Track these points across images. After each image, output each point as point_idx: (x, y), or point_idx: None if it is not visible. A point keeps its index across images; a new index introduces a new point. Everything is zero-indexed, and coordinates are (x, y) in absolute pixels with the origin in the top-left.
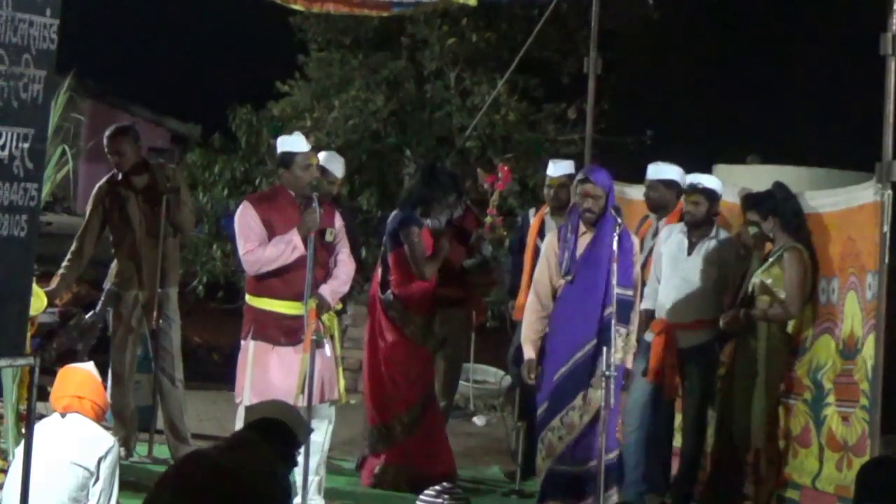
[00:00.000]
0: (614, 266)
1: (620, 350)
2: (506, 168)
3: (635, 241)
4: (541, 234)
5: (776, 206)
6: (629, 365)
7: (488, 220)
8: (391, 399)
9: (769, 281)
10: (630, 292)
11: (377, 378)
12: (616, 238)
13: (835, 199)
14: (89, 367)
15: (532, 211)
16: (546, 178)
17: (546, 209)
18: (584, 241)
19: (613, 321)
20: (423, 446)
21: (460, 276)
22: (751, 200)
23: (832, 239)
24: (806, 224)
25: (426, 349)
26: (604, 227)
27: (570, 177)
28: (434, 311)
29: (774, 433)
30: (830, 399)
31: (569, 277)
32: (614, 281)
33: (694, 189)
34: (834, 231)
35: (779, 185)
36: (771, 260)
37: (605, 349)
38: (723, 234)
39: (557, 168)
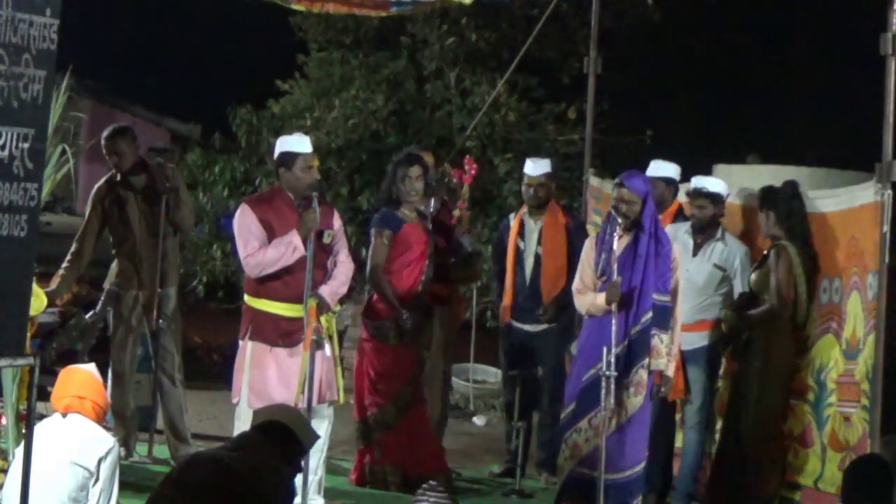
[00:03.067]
0: (614, 266)
1: (665, 356)
2: (472, 160)
3: (675, 247)
4: (521, 234)
5: (777, 201)
6: (670, 372)
7: (456, 213)
8: (366, 396)
9: (760, 280)
10: (667, 298)
11: (359, 375)
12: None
13: (837, 199)
14: (91, 367)
15: (512, 215)
16: (525, 177)
17: (524, 209)
18: (622, 244)
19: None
20: (408, 446)
21: (444, 272)
22: (761, 192)
23: (837, 239)
24: (803, 225)
25: (400, 347)
26: (639, 233)
27: (549, 175)
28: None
29: (780, 433)
30: (833, 399)
31: (604, 278)
32: (616, 275)
33: (699, 193)
34: (839, 231)
35: (788, 184)
36: (761, 259)
37: (604, 349)
38: (728, 237)
39: (536, 167)
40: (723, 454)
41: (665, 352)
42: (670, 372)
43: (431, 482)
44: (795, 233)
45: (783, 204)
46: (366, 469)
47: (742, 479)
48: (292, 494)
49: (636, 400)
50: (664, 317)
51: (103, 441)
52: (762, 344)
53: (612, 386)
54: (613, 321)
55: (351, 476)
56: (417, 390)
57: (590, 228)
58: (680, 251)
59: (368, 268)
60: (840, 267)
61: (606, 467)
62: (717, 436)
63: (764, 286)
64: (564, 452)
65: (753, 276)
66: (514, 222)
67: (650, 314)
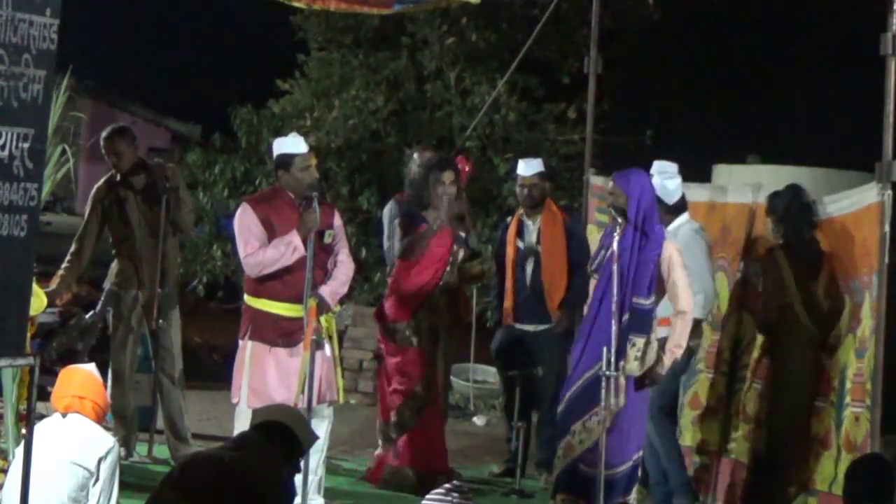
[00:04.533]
0: (614, 267)
1: (632, 360)
2: (465, 160)
3: (668, 249)
4: (520, 235)
5: (776, 206)
6: (668, 362)
7: None
8: (387, 398)
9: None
10: (646, 302)
11: (380, 377)
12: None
13: (849, 201)
14: (91, 367)
15: (509, 219)
16: (518, 178)
17: (521, 210)
18: (616, 239)
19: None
20: (423, 446)
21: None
22: (769, 196)
23: (853, 240)
24: (800, 226)
25: (413, 353)
26: (626, 233)
27: (541, 175)
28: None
29: (798, 438)
30: (848, 399)
31: (596, 275)
32: (615, 285)
33: None
34: (854, 232)
35: (788, 187)
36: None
37: (604, 349)
38: (685, 227)
39: (529, 167)
40: (756, 458)
41: (634, 357)
42: (668, 361)
43: (455, 482)
44: (791, 235)
45: (781, 208)
46: (389, 471)
47: (768, 482)
48: (292, 494)
49: (619, 400)
50: (642, 320)
51: (103, 441)
52: (776, 350)
53: (613, 385)
54: (613, 321)
55: (371, 475)
56: (432, 391)
57: (592, 228)
58: (675, 247)
59: (396, 249)
60: (857, 268)
61: (598, 465)
62: (746, 442)
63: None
64: (558, 453)
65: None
66: (511, 225)
67: (628, 315)
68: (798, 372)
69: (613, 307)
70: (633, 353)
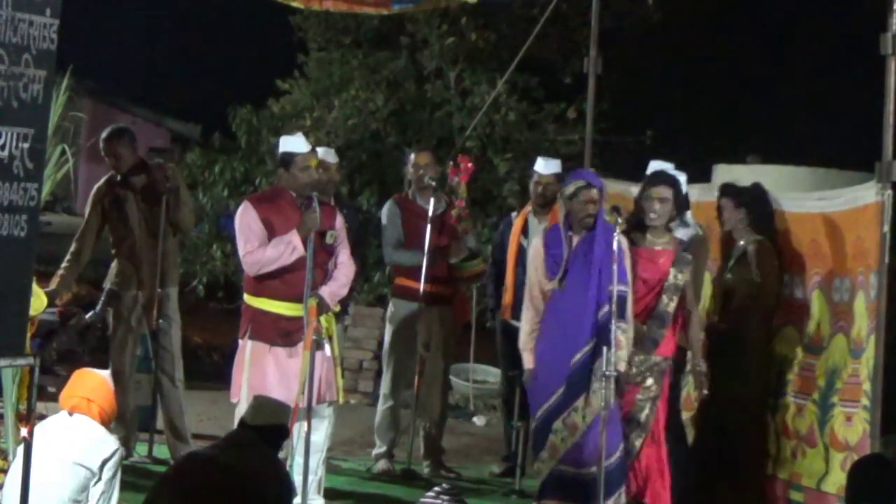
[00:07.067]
0: (614, 267)
1: (625, 348)
2: (467, 159)
3: (623, 240)
4: (524, 232)
5: (751, 200)
6: (623, 368)
7: (454, 212)
8: None
9: (738, 277)
10: (625, 288)
11: None
12: (615, 239)
13: (843, 199)
14: (105, 374)
15: (514, 214)
16: (535, 174)
17: (529, 208)
18: (574, 243)
19: (613, 320)
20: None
21: (447, 271)
22: (731, 189)
23: (844, 239)
24: (771, 225)
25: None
26: (596, 228)
27: (558, 176)
28: None
29: (763, 428)
30: (835, 399)
31: (562, 282)
32: (614, 279)
33: None
34: (846, 231)
35: (756, 185)
36: (736, 256)
37: (604, 349)
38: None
39: (548, 166)
40: (703, 452)
41: (625, 343)
42: (622, 367)
43: (444, 485)
44: (765, 233)
45: (755, 203)
46: None
47: (724, 473)
48: (291, 491)
49: (602, 394)
50: (623, 307)
51: (108, 443)
52: (738, 337)
53: (613, 385)
54: (613, 320)
55: None
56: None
57: None
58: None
59: None
60: (848, 267)
61: (580, 464)
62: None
63: (743, 283)
64: (543, 455)
65: (728, 275)
66: (517, 221)
67: (607, 307)
68: (762, 358)
69: (613, 307)
70: (625, 338)
